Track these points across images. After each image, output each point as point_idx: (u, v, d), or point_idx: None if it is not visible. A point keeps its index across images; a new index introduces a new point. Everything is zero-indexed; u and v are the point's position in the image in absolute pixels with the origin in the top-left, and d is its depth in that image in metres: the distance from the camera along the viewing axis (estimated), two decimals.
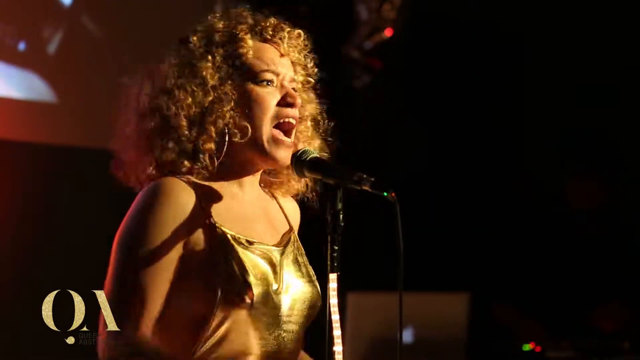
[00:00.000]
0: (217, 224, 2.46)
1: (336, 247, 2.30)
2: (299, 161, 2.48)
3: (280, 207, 2.69)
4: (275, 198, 2.69)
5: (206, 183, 2.51)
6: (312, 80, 2.67)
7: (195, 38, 2.56)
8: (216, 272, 2.41)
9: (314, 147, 2.61)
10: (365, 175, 2.35)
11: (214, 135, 2.50)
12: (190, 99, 2.50)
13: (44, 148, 5.11)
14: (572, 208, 5.45)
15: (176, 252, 2.42)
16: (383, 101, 6.11)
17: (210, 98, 2.50)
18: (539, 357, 4.89)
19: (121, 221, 2.47)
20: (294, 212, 2.72)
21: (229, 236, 2.46)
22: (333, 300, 2.31)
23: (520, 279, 5.34)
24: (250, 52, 2.54)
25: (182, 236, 2.43)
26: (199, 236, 2.44)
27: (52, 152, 5.12)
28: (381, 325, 4.47)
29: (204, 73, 2.51)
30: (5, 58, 5.03)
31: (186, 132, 2.49)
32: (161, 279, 2.41)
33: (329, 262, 2.30)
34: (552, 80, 6.06)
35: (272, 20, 2.60)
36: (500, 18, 6.14)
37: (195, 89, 2.50)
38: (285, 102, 2.53)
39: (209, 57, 2.53)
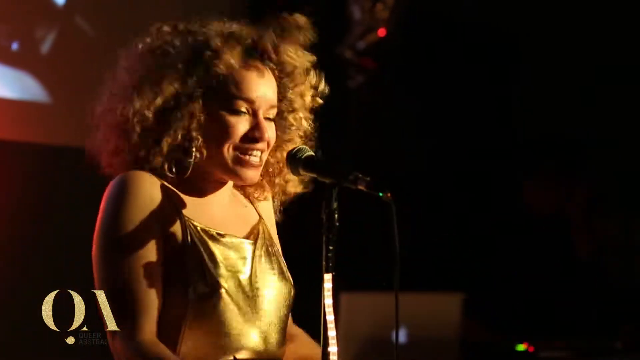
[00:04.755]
0: (187, 218, 2.45)
1: (331, 247, 2.28)
2: (294, 159, 2.46)
3: (252, 202, 2.67)
4: (248, 197, 2.67)
5: (173, 182, 2.48)
6: (309, 99, 2.60)
7: (178, 42, 2.48)
8: (189, 265, 2.41)
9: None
10: (360, 175, 2.33)
11: (165, 151, 2.44)
12: (144, 108, 2.43)
13: (38, 148, 5.10)
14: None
15: (155, 245, 2.40)
16: (377, 101, 6.11)
17: (167, 112, 2.43)
18: (531, 357, 4.89)
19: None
20: (266, 205, 2.68)
21: (199, 229, 2.45)
22: (328, 300, 2.29)
23: (514, 279, 5.35)
24: (231, 78, 2.46)
25: (156, 230, 2.41)
26: (170, 231, 2.43)
27: (46, 152, 5.11)
28: (374, 326, 4.47)
29: (168, 86, 2.44)
30: None
31: (136, 139, 2.44)
32: (148, 272, 2.38)
33: (324, 262, 2.28)
34: (549, 81, 6.07)
35: (271, 39, 2.51)
36: (495, 18, 6.14)
37: (150, 98, 2.43)
38: (252, 135, 2.48)
39: (181, 69, 2.44)
